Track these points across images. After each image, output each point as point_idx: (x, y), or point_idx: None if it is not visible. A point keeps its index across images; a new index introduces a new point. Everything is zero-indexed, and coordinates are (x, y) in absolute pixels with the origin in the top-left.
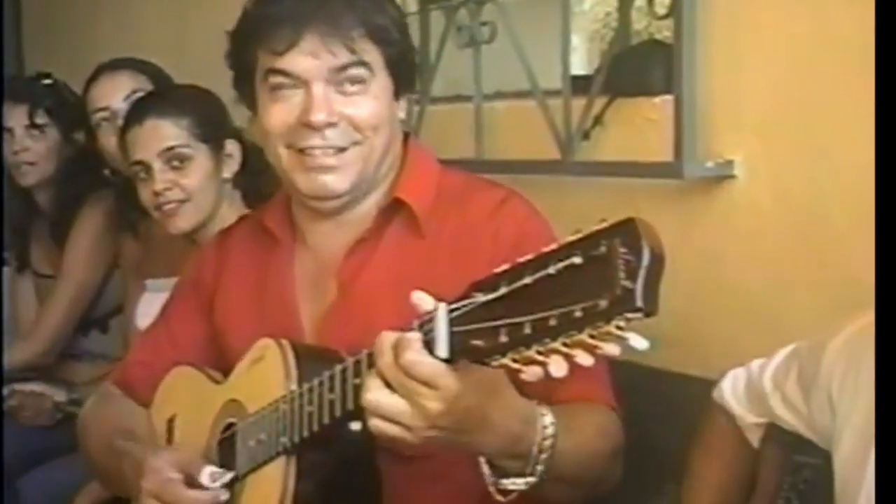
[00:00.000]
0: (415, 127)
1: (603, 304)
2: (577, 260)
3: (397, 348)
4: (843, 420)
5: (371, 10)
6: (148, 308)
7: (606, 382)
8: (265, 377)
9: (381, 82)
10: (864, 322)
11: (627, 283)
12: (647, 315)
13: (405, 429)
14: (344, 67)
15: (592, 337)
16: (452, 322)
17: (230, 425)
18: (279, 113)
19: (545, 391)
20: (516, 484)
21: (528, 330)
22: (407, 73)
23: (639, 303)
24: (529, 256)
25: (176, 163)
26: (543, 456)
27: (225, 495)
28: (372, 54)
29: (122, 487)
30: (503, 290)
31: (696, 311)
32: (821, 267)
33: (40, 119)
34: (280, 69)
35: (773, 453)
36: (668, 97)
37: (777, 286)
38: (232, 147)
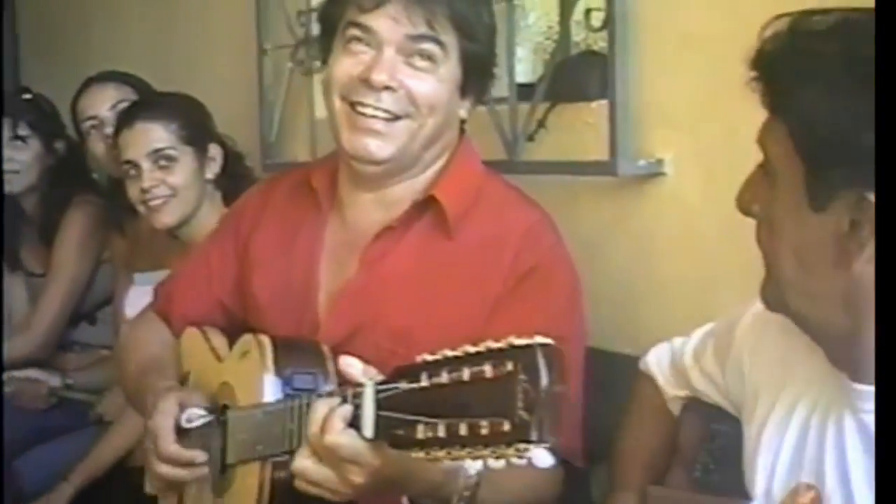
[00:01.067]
0: None
1: (507, 426)
2: (487, 371)
3: (325, 424)
4: (752, 386)
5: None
6: (136, 300)
7: (574, 431)
8: (250, 369)
9: (451, 69)
10: None
11: (524, 415)
12: (544, 443)
13: (331, 493)
14: (419, 38)
15: (496, 451)
16: (379, 404)
17: (225, 407)
18: (346, 64)
19: None
20: None
21: (441, 433)
22: (480, 74)
23: (533, 437)
24: (448, 353)
25: (163, 162)
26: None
27: (197, 462)
28: (449, 37)
29: (144, 411)
30: (423, 383)
31: (628, 297)
32: (745, 257)
33: (22, 131)
34: (361, 23)
35: (691, 422)
36: (604, 102)
37: (705, 276)
38: (215, 151)
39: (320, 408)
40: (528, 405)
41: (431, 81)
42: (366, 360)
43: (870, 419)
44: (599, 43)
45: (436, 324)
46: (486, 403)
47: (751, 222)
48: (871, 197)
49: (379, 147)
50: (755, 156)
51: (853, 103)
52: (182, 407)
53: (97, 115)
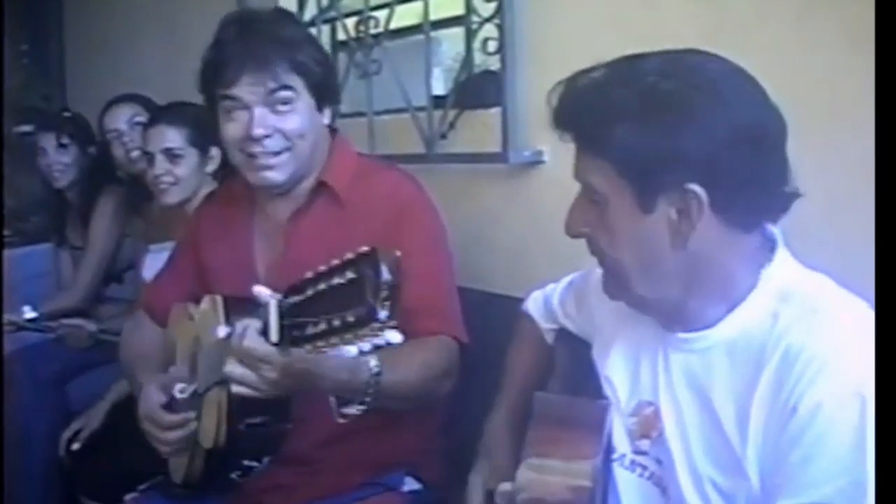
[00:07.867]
0: None
1: (362, 312)
2: (350, 275)
3: (242, 336)
4: (598, 326)
5: (294, 50)
6: (151, 264)
7: (451, 315)
8: (208, 320)
9: (305, 101)
10: None
11: (372, 301)
12: (390, 322)
13: (254, 389)
14: (275, 90)
15: (359, 334)
16: (281, 315)
17: (195, 354)
18: (231, 128)
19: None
20: (353, 410)
21: (322, 327)
22: (328, 91)
23: (380, 315)
24: (322, 268)
25: (172, 157)
26: (371, 390)
27: (192, 418)
28: (296, 81)
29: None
30: (309, 293)
31: (518, 253)
32: None
33: (64, 140)
34: (228, 95)
35: (562, 348)
36: (498, 108)
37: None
38: (215, 152)
39: (240, 325)
40: (374, 293)
41: (294, 117)
42: None
43: (691, 356)
44: (494, 64)
45: None
46: (349, 300)
47: None
48: (692, 186)
49: (275, 175)
50: None
51: (655, 126)
52: (164, 388)
53: (117, 129)
